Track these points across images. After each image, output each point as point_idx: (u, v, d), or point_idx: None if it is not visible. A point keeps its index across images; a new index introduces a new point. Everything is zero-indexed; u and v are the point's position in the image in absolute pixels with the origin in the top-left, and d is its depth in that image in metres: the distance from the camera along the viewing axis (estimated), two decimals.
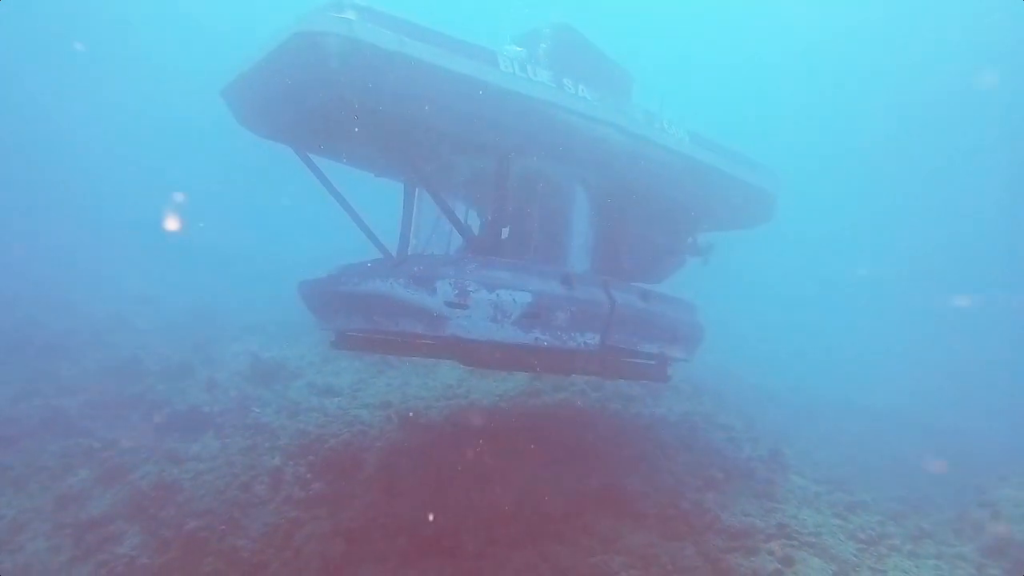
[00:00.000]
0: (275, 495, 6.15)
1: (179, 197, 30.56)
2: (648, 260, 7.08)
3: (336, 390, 8.95)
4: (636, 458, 6.61)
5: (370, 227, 6.84)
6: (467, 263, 4.89)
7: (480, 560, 4.99)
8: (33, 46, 36.22)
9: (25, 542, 5.92)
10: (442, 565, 4.93)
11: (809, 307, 35.42)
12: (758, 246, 15.16)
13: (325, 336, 7.08)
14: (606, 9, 35.38)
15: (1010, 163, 31.67)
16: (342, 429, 7.32)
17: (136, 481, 6.46)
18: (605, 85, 6.22)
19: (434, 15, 5.16)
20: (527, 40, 6.18)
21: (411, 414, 7.60)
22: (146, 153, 39.07)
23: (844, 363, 25.40)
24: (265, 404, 8.45)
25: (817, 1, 38.42)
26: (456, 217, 6.00)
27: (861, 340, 31.76)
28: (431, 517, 5.37)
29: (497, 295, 4.70)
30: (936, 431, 13.20)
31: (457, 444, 6.81)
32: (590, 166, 6.15)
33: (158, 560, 5.40)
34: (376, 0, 4.80)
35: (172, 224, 28.78)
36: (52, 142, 35.83)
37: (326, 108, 5.06)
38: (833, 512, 6.27)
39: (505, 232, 6.28)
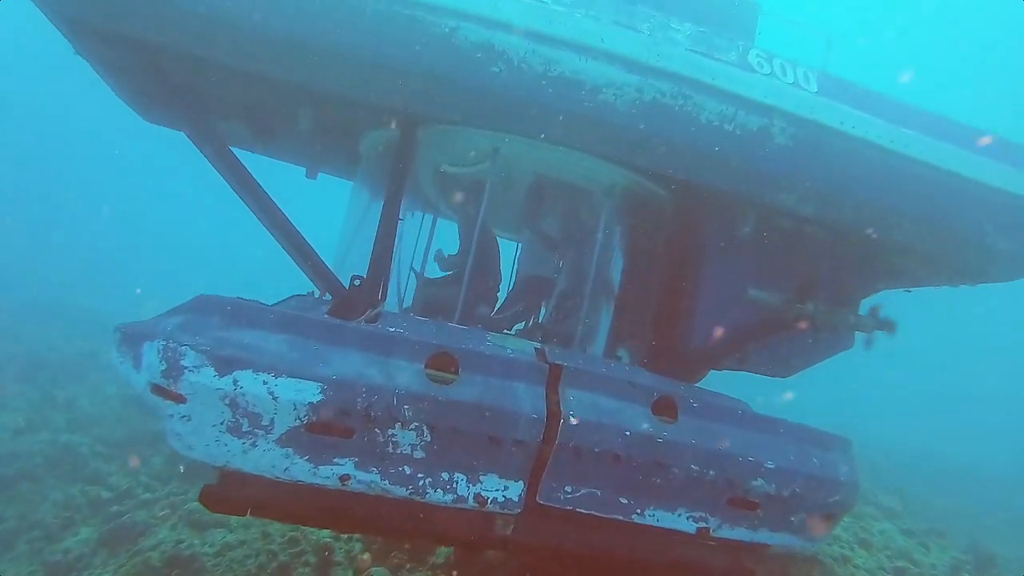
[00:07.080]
0: None
1: None
2: (743, 339, 3.61)
3: None
4: (808, 562, 4.87)
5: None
6: (201, 311, 2.60)
7: None
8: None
9: None
10: None
11: None
12: None
13: None
14: None
15: None
16: None
17: (146, 551, 4.99)
18: None
19: None
20: None
21: None
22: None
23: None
24: None
25: None
26: (297, 235, 3.31)
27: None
28: None
29: (235, 382, 2.41)
30: None
31: None
32: (596, 145, 3.22)
33: None
34: None
35: None
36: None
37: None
38: None
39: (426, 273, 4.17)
